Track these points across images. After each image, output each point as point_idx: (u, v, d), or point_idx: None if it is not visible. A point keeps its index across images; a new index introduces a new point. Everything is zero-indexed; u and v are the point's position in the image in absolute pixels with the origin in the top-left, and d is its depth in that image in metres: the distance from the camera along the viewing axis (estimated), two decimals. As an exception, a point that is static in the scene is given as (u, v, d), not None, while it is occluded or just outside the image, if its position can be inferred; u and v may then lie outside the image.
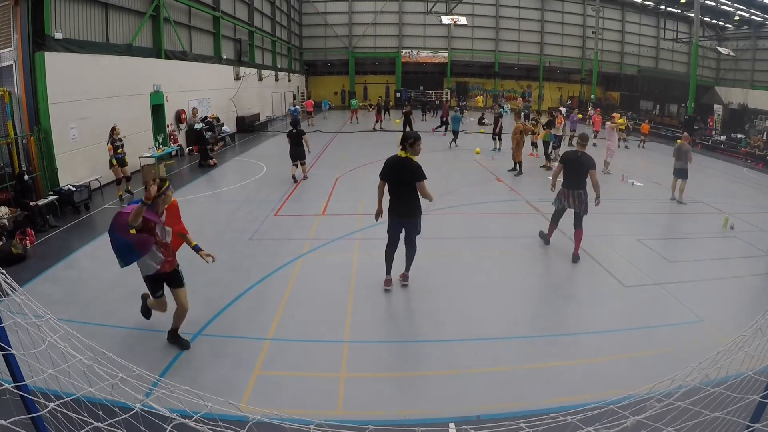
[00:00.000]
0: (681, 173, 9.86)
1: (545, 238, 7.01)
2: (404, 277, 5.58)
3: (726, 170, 15.53)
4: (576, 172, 6.35)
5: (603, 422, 1.98)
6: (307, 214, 8.66)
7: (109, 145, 9.29)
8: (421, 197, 5.12)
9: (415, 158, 5.06)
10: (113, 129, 9.46)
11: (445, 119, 20.14)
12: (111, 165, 9.41)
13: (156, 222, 3.94)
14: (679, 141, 10.98)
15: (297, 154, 11.07)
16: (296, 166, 11.23)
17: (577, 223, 6.44)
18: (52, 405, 1.77)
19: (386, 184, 5.22)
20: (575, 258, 6.42)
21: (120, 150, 9.40)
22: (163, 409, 1.89)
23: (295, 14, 35.04)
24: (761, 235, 7.89)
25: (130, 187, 9.83)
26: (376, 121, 22.92)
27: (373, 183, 11.18)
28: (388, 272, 5.48)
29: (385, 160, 5.22)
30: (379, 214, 5.42)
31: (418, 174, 4.98)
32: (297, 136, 10.98)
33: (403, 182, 5.06)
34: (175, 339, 4.32)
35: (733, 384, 2.27)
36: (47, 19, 9.15)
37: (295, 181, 11.08)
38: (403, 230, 5.30)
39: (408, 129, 17.69)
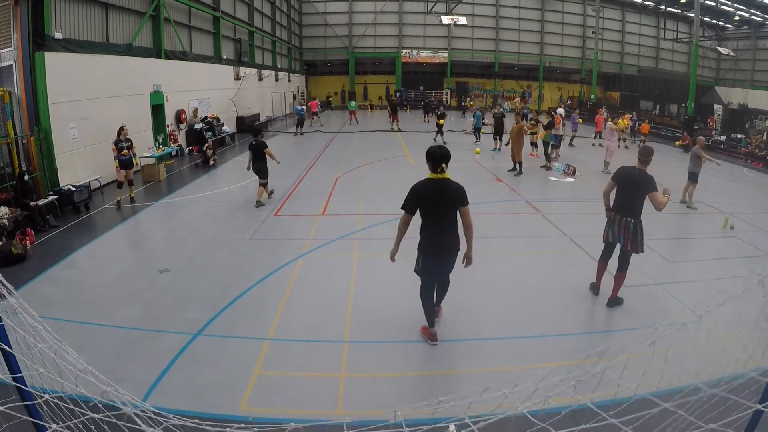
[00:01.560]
0: (690, 177, 9.91)
1: (594, 287, 5.59)
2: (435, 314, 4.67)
3: (726, 170, 15.50)
4: (627, 194, 5.04)
5: (600, 423, 1.98)
6: (307, 214, 8.66)
7: (113, 145, 9.20)
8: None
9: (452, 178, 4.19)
10: (120, 129, 9.25)
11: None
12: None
13: None
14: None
15: (258, 170, 9.08)
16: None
17: (622, 264, 5.16)
18: (48, 397, 1.78)
19: (411, 219, 4.14)
20: (611, 302, 5.22)
21: (125, 151, 9.13)
22: (163, 410, 1.89)
23: (295, 14, 35.04)
24: (761, 235, 7.89)
25: (133, 195, 9.53)
26: (394, 121, 22.39)
27: (373, 183, 11.41)
28: (432, 324, 4.51)
29: (411, 188, 4.12)
30: (394, 254, 4.33)
31: (463, 198, 4.09)
32: (258, 149, 8.99)
33: (444, 209, 4.13)
34: None
35: (733, 384, 2.27)
36: (47, 19, 9.16)
37: (261, 204, 9.06)
38: (444, 270, 4.40)
39: (440, 135, 17.84)
